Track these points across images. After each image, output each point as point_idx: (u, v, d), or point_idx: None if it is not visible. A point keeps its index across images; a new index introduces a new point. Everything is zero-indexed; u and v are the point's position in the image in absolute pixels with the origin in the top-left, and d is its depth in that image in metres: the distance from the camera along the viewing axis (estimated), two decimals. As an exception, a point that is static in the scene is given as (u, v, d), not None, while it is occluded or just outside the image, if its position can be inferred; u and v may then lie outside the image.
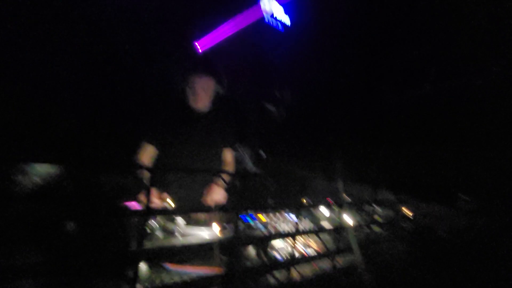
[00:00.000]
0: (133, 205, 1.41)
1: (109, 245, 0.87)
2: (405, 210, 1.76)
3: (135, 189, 1.45)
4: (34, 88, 2.77)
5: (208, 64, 1.65)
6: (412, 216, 1.74)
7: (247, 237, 1.02)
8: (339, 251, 1.15)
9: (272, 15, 4.15)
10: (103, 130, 2.91)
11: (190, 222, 1.01)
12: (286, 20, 4.37)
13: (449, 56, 2.98)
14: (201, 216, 1.10)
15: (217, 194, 1.56)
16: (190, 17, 4.15)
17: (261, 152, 3.92)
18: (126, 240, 0.87)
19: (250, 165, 3.58)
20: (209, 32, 4.18)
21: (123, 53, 3.39)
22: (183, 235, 0.94)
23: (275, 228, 1.22)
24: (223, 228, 1.01)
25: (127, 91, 3.21)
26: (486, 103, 2.55)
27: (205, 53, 4.19)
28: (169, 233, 0.94)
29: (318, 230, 1.31)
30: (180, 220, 0.95)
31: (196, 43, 4.27)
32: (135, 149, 1.66)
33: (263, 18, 4.06)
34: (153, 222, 1.00)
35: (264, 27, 4.20)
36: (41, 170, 1.29)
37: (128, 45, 3.46)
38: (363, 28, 3.79)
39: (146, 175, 1.53)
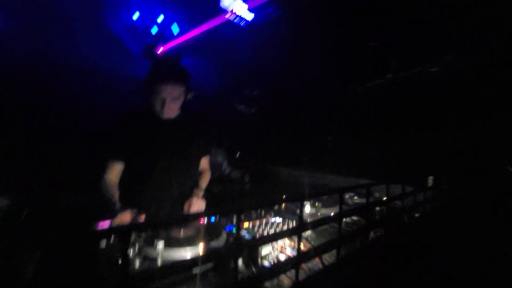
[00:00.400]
0: (105, 225, 1.30)
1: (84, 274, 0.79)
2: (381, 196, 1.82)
3: (107, 209, 1.34)
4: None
5: (172, 68, 1.54)
6: (386, 199, 1.80)
7: (235, 248, 0.98)
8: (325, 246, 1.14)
9: (232, 11, 4.08)
10: (67, 148, 2.67)
11: (170, 243, 0.94)
12: (249, 16, 4.33)
13: (407, 47, 3.16)
14: (181, 234, 1.03)
15: (197, 206, 1.49)
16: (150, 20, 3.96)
17: (238, 154, 3.88)
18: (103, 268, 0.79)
19: (227, 169, 3.51)
20: (170, 35, 4.02)
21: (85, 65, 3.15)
22: (164, 259, 0.87)
23: (260, 233, 1.19)
24: (207, 245, 0.95)
25: (91, 104, 2.97)
26: (441, 88, 2.75)
27: (167, 57, 4.02)
28: (149, 259, 0.87)
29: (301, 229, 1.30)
30: (160, 243, 0.87)
31: (160, 48, 4.08)
32: (103, 167, 1.53)
33: (224, 15, 3.98)
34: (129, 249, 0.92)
35: (227, 24, 4.13)
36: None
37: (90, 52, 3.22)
38: (325, 22, 3.88)
39: (115, 194, 1.44)
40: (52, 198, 1.95)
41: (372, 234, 1.33)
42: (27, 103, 2.78)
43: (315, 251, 1.03)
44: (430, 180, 1.93)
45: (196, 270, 0.81)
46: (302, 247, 1.16)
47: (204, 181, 1.75)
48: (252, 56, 4.48)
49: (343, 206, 1.07)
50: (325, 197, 1.77)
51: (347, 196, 1.94)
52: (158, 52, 4.02)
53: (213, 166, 2.22)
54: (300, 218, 0.88)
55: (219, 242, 1.04)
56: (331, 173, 2.74)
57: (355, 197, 1.93)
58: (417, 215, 1.66)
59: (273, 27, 4.43)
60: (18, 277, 0.73)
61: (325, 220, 1.05)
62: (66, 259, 0.82)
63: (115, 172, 1.52)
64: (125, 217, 1.26)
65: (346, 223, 1.52)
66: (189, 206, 1.48)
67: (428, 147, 2.72)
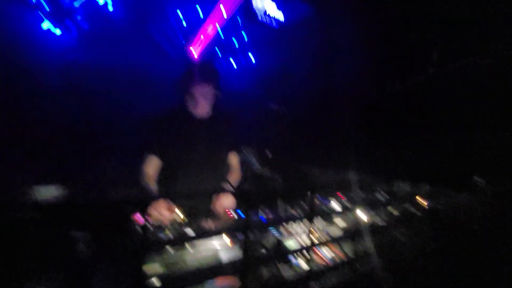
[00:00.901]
0: (142, 218, 1.40)
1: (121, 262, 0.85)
2: (420, 199, 1.71)
3: (143, 201, 1.44)
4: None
5: (204, 68, 1.62)
6: (427, 205, 1.69)
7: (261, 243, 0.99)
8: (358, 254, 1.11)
9: (265, 13, 4.10)
10: (107, 143, 2.92)
11: (199, 233, 0.99)
12: (280, 16, 4.32)
13: (451, 37, 2.89)
14: (211, 225, 1.07)
15: (226, 200, 1.54)
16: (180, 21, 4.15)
17: (267, 152, 3.89)
18: (136, 256, 0.85)
19: (257, 167, 3.54)
20: (201, 35, 4.16)
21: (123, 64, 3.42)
22: (193, 247, 0.92)
23: (287, 230, 1.18)
24: (233, 237, 0.98)
25: (129, 102, 3.22)
26: (494, 83, 2.47)
27: (200, 57, 4.17)
28: (179, 246, 0.92)
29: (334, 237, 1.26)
30: (190, 231, 0.92)
31: (191, 48, 4.25)
32: (140, 161, 1.65)
33: (255, 16, 4.01)
34: (161, 235, 0.98)
35: (257, 24, 4.16)
36: (46, 192, 1.28)
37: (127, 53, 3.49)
38: (360, 15, 3.72)
39: (153, 186, 1.54)
40: (99, 190, 2.17)
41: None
42: (82, 105, 3.10)
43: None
44: (477, 181, 1.76)
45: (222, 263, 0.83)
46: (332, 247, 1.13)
47: (234, 178, 1.80)
48: (285, 55, 4.46)
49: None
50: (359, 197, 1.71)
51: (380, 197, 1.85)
52: (192, 52, 4.18)
53: (244, 164, 2.26)
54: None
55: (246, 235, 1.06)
56: (365, 174, 2.62)
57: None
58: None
59: (305, 25, 4.37)
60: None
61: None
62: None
63: (152, 166, 1.63)
64: (159, 206, 1.33)
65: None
66: (218, 201, 1.52)
67: (474, 148, 2.47)
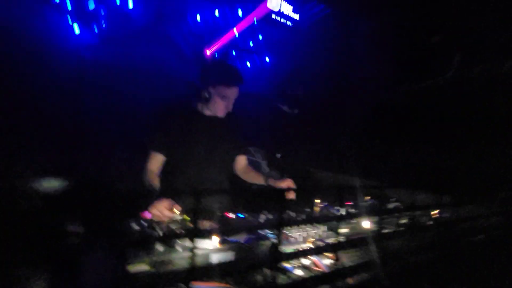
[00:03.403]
0: (146, 215, 1.40)
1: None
2: (433, 212, 1.62)
3: (147, 198, 1.44)
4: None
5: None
6: (438, 215, 1.60)
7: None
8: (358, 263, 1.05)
9: (279, 12, 4.07)
10: (112, 139, 2.99)
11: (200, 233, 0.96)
12: (295, 15, 4.28)
13: (471, 40, 2.74)
14: (206, 225, 1.06)
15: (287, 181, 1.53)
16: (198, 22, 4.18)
17: (277, 155, 3.85)
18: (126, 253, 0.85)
19: (267, 170, 3.51)
20: (217, 36, 4.18)
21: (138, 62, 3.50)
22: (184, 248, 0.90)
23: (286, 236, 1.15)
24: (223, 241, 0.95)
25: (136, 98, 3.28)
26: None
27: (215, 57, 4.19)
28: (170, 246, 0.91)
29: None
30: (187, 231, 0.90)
31: (207, 50, 4.28)
32: (145, 158, 1.66)
33: (270, 14, 3.99)
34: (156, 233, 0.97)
35: (271, 23, 4.14)
36: (49, 184, 1.31)
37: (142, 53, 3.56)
38: (375, 15, 3.61)
39: (154, 183, 1.54)
40: (106, 183, 2.22)
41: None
42: (95, 102, 3.20)
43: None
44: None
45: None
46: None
47: (258, 177, 1.79)
48: (297, 56, 4.42)
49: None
50: (363, 203, 1.64)
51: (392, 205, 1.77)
52: (207, 53, 4.21)
53: (253, 166, 2.24)
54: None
55: (242, 237, 1.03)
56: (376, 180, 2.53)
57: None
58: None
59: (320, 26, 4.30)
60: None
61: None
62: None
63: (155, 163, 1.64)
64: (161, 205, 1.33)
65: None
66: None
67: (498, 158, 2.32)
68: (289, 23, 4.20)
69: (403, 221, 1.49)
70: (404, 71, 3.41)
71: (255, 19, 4.31)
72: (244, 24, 4.19)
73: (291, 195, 1.48)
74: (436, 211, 1.50)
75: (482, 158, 2.24)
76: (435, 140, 2.59)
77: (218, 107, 1.63)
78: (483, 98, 2.55)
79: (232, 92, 1.61)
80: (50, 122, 2.92)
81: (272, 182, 1.65)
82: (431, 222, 1.49)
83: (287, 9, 4.17)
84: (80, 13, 3.33)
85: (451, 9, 3.03)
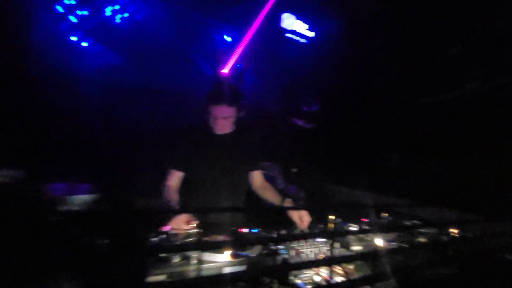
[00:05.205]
0: (165, 229, 1.46)
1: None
2: (452, 230, 1.56)
3: (165, 214, 1.51)
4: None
5: (223, 89, 1.69)
6: (459, 235, 1.53)
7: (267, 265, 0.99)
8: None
9: (292, 31, 4.20)
10: (132, 156, 3.13)
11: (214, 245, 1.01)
12: (309, 32, 4.38)
13: (490, 51, 2.67)
14: (219, 239, 1.10)
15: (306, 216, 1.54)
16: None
17: (293, 169, 3.85)
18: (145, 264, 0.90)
19: (282, 185, 3.52)
20: (229, 53, 4.34)
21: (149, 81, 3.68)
22: (198, 260, 0.95)
23: (297, 252, 1.16)
24: (235, 255, 0.99)
25: (154, 118, 3.44)
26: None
27: (224, 78, 4.33)
28: (184, 258, 0.96)
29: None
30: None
31: (222, 69, 4.45)
32: (163, 175, 1.75)
33: (282, 33, 4.11)
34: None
35: (285, 40, 4.25)
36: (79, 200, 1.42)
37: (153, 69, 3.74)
38: (393, 27, 3.61)
39: (174, 199, 1.62)
40: (129, 200, 2.32)
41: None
42: (111, 118, 3.39)
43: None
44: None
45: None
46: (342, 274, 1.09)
47: (275, 196, 1.79)
48: (312, 71, 4.47)
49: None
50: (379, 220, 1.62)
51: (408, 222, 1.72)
52: (222, 71, 4.37)
53: (268, 180, 2.28)
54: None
55: (253, 252, 1.06)
56: (394, 196, 2.46)
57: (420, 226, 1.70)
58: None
59: (335, 41, 4.36)
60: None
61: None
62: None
63: (175, 180, 1.72)
64: (179, 221, 1.39)
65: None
66: (301, 218, 1.52)
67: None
68: (303, 40, 4.32)
69: (421, 239, 1.45)
70: (422, 84, 3.36)
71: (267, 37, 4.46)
72: (258, 43, 4.34)
73: (304, 225, 1.48)
74: (456, 230, 1.44)
75: (505, 172, 2.13)
76: (456, 154, 2.50)
77: (214, 125, 1.68)
78: (507, 109, 2.46)
79: (220, 110, 1.62)
80: (78, 141, 3.12)
81: (286, 204, 1.65)
82: (450, 239, 1.43)
83: (301, 27, 4.30)
84: (87, 27, 3.36)
85: (469, 20, 2.99)
